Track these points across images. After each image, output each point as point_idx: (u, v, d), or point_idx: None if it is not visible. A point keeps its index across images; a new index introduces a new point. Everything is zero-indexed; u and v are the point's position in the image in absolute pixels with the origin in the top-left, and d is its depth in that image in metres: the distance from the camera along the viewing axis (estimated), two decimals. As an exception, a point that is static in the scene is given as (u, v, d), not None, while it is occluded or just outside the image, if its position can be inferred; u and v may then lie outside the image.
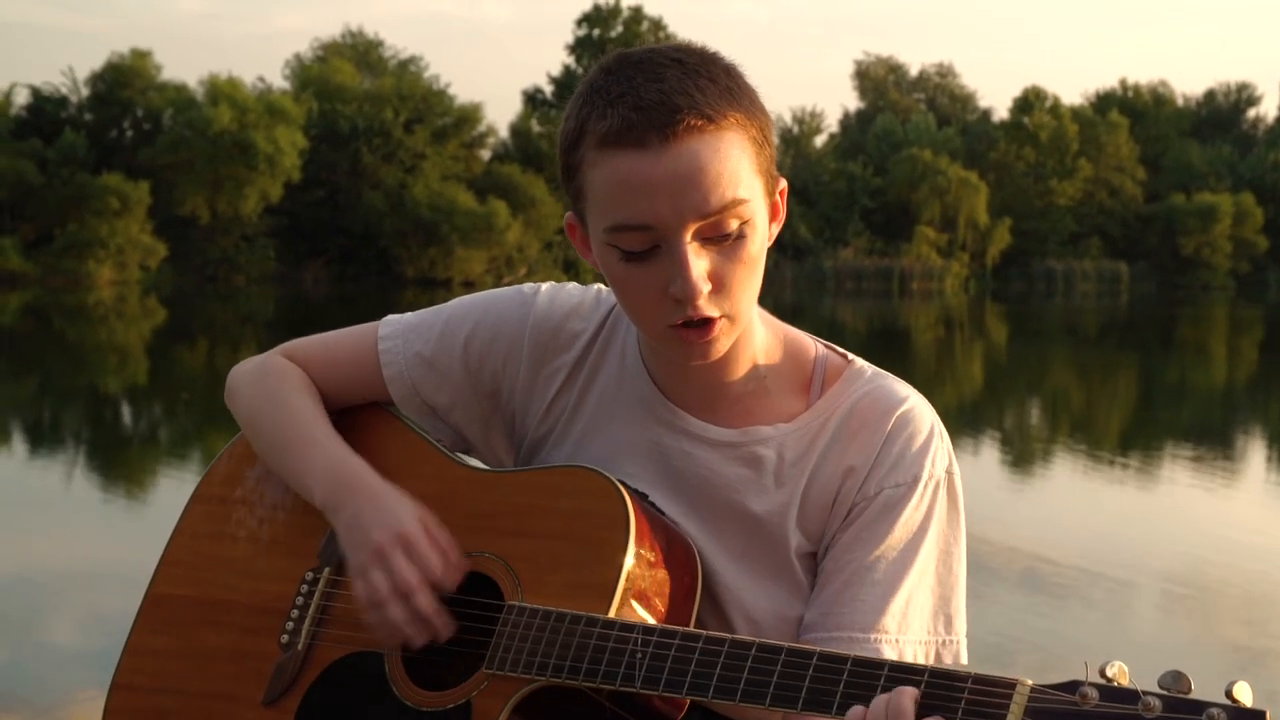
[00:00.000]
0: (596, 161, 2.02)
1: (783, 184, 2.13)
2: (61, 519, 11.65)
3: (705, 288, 2.02)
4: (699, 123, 1.97)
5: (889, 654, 2.10)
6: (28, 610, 8.67)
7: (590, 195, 2.05)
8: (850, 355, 2.27)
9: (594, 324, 2.33)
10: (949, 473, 2.18)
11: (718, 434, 2.21)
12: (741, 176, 2.00)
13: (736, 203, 2.00)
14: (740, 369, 2.20)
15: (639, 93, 1.98)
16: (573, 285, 2.39)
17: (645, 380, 2.26)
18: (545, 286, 2.37)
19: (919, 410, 2.19)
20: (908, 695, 1.84)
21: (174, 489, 12.51)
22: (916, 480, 2.15)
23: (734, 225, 2.01)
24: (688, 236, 2.00)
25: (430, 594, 2.14)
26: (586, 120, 2.02)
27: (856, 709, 1.87)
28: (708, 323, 2.05)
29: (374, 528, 2.19)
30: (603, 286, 2.32)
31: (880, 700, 1.85)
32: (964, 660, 2.16)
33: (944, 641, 2.15)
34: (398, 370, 2.38)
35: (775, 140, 2.11)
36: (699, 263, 2.01)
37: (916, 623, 2.14)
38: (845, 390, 2.21)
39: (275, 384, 2.42)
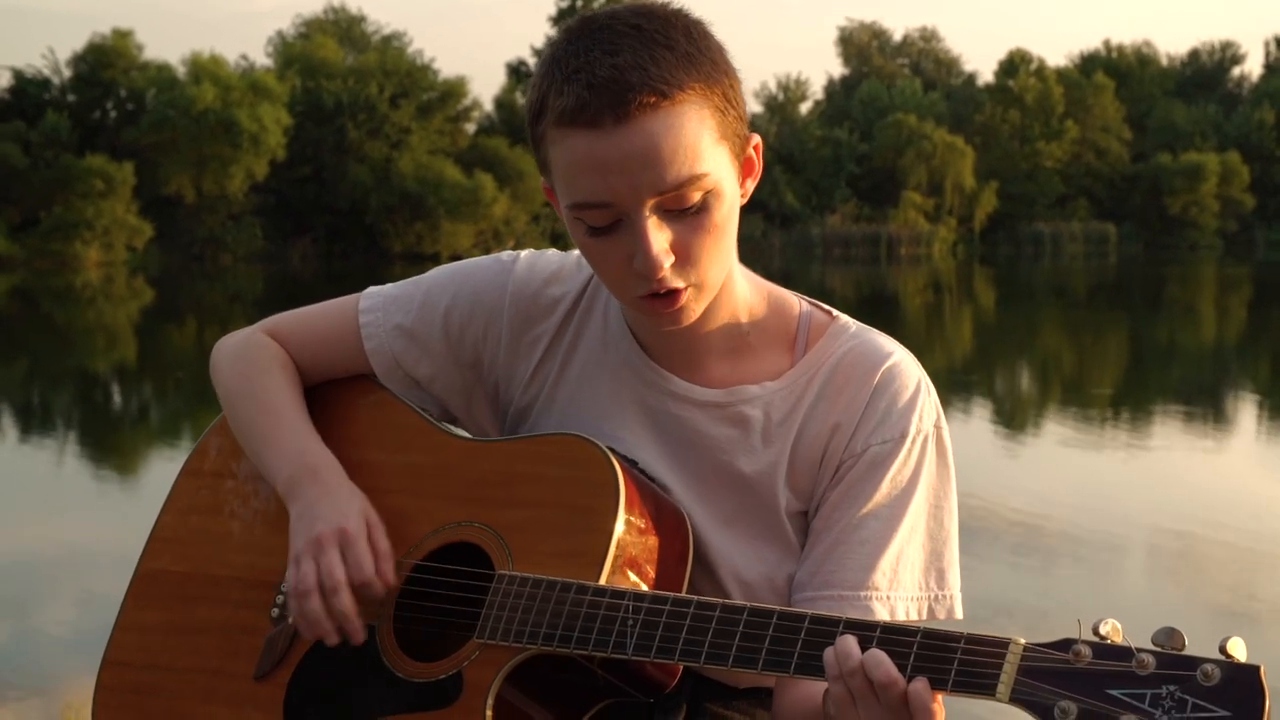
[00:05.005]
0: (556, 139, 2.01)
1: (755, 139, 2.11)
2: (54, 501, 11.65)
3: (667, 261, 2.01)
4: (653, 99, 1.95)
5: (880, 611, 2.09)
6: (22, 592, 8.67)
7: (554, 170, 2.05)
8: (834, 311, 2.26)
9: (575, 288, 2.32)
10: (937, 426, 2.17)
11: (703, 394, 2.20)
12: (701, 149, 1.99)
13: (696, 177, 1.98)
14: (722, 327, 2.19)
15: (594, 69, 1.96)
16: (552, 251, 2.38)
17: (630, 342, 2.25)
18: (524, 254, 2.36)
19: (905, 365, 2.18)
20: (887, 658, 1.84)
21: (166, 468, 12.49)
22: (904, 436, 2.14)
23: (696, 198, 2.00)
24: (647, 212, 1.99)
25: (350, 596, 2.15)
26: (546, 94, 2.01)
27: (829, 651, 1.87)
28: (674, 293, 2.05)
29: (319, 520, 2.20)
30: (583, 253, 2.31)
31: (853, 652, 1.85)
32: (959, 614, 2.15)
33: (936, 596, 2.15)
34: (379, 343, 2.37)
35: (749, 103, 2.09)
36: (660, 236, 2.00)
37: (908, 579, 2.13)
38: (830, 346, 2.20)
39: (254, 365, 2.41)
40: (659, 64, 1.97)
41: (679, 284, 2.04)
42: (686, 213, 2.01)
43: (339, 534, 2.17)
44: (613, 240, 2.03)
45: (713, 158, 2.00)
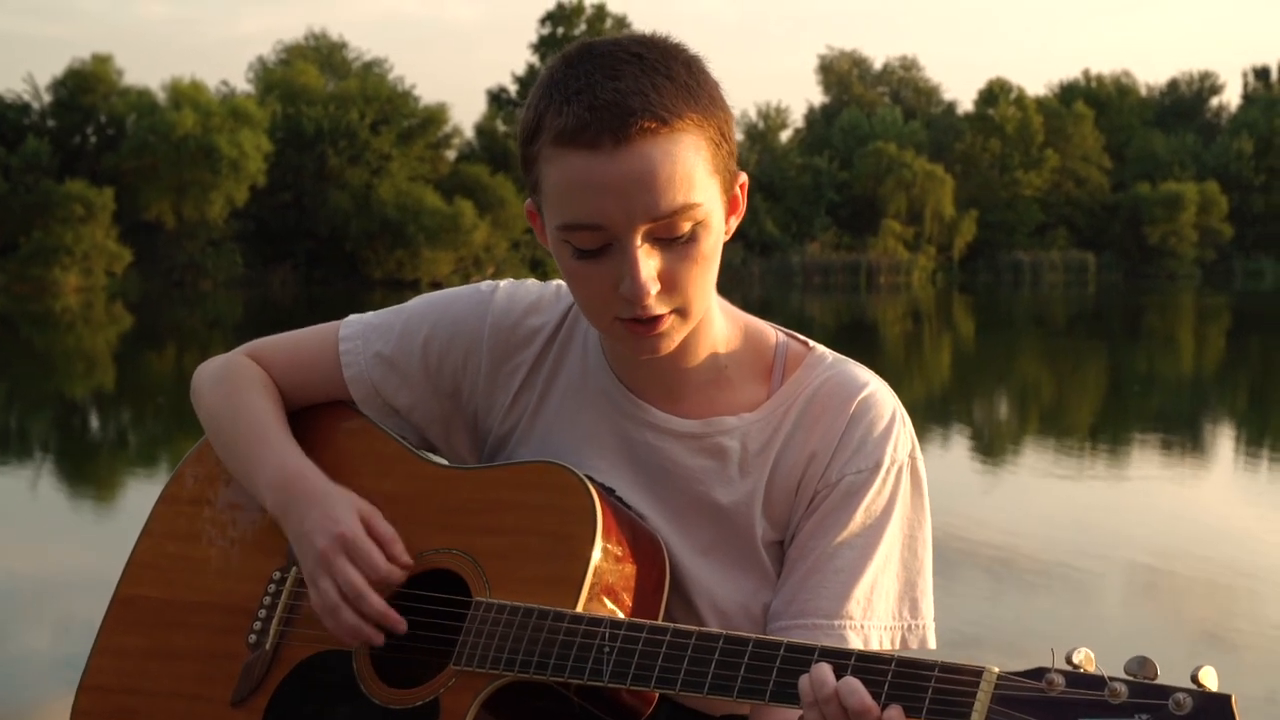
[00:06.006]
0: (551, 158, 2.02)
1: (743, 177, 2.13)
2: (31, 526, 11.61)
3: (654, 288, 2.02)
4: (653, 125, 1.96)
5: (854, 640, 2.10)
6: (-2, 618, 8.64)
7: (545, 190, 2.05)
8: (811, 342, 2.27)
9: (554, 318, 2.33)
10: (911, 457, 2.18)
11: (681, 425, 2.21)
12: (695, 179, 2.00)
13: (689, 207, 2.00)
14: (699, 359, 2.20)
15: (595, 91, 1.97)
16: (532, 281, 2.38)
17: (608, 373, 2.26)
18: (504, 283, 2.37)
19: (880, 395, 2.19)
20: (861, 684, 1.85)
21: (144, 494, 12.46)
22: (878, 466, 2.15)
23: (686, 227, 2.01)
24: (638, 239, 2.00)
25: (375, 596, 2.15)
26: (544, 114, 2.02)
27: (804, 679, 1.88)
28: (656, 318, 2.05)
29: (316, 534, 2.20)
30: (563, 282, 2.31)
31: (828, 680, 1.86)
32: (931, 644, 2.17)
33: (910, 626, 2.16)
34: (358, 371, 2.38)
35: (736, 135, 2.11)
36: (649, 263, 2.01)
37: (882, 608, 2.14)
38: (806, 377, 2.21)
39: (235, 385, 2.42)
40: (660, 92, 1.98)
41: (662, 310, 2.05)
42: (676, 242, 2.02)
43: (339, 541, 2.18)
44: (600, 264, 2.04)
45: (705, 189, 2.02)
